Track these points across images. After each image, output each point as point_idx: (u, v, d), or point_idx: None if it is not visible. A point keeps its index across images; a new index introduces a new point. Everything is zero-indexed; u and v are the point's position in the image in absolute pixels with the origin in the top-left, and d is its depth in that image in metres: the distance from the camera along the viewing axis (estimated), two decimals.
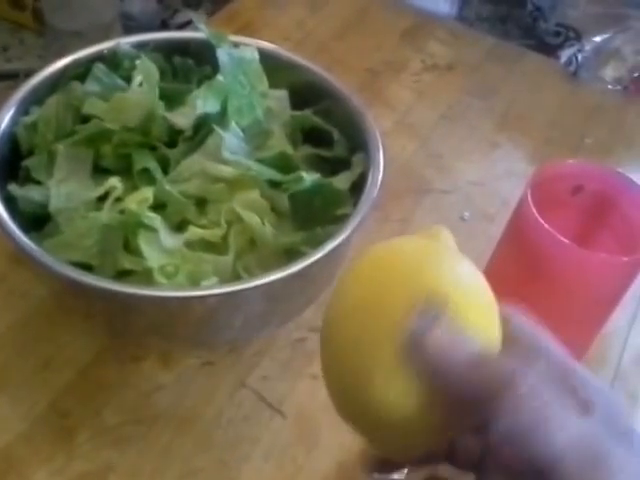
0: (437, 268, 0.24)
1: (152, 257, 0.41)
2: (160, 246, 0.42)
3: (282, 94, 0.52)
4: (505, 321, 0.24)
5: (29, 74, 0.49)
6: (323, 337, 0.25)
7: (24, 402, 0.44)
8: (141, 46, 0.52)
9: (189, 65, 0.52)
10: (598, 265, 0.42)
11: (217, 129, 0.45)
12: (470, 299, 0.24)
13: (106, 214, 0.42)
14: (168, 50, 0.52)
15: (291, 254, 0.43)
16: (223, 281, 0.41)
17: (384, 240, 0.27)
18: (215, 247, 0.43)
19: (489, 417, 0.21)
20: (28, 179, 0.45)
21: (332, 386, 0.25)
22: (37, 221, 0.43)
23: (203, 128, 0.46)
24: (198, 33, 0.52)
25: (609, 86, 0.75)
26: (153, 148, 0.46)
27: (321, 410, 0.45)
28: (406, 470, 0.33)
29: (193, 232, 0.43)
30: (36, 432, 0.43)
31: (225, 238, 0.43)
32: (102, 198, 0.43)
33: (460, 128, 0.69)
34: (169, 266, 0.41)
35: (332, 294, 0.25)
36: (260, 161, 0.46)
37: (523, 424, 0.21)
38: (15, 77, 0.68)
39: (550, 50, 0.79)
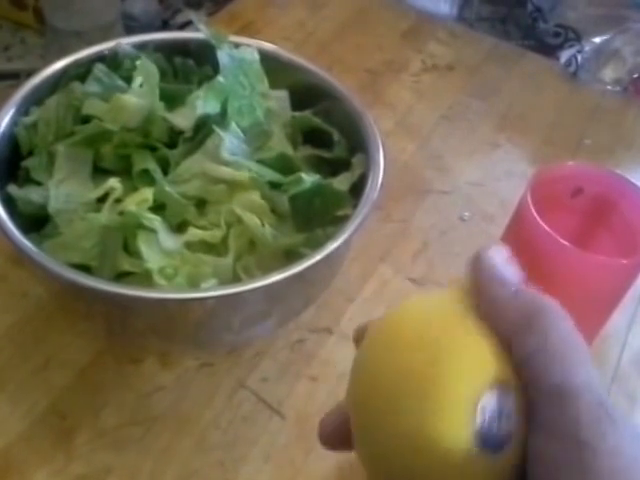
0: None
1: (151, 258, 0.41)
2: (159, 247, 0.42)
3: (282, 95, 0.52)
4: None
5: (30, 74, 0.49)
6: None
7: (23, 403, 0.44)
8: (142, 46, 0.51)
9: (190, 66, 0.52)
10: (597, 267, 0.42)
11: (217, 130, 0.45)
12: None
13: (105, 215, 0.42)
14: (169, 50, 0.52)
15: (291, 255, 0.43)
16: (223, 282, 0.41)
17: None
18: (215, 248, 0.43)
19: (525, 335, 0.21)
20: (28, 180, 0.45)
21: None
22: (36, 222, 0.43)
23: (203, 129, 0.46)
24: (199, 33, 0.52)
25: (609, 87, 0.75)
26: (153, 149, 0.46)
27: (320, 411, 0.44)
28: None
29: (193, 233, 0.43)
30: (35, 433, 0.43)
31: (225, 239, 0.43)
32: (102, 199, 0.43)
33: (460, 128, 0.69)
34: (168, 267, 0.41)
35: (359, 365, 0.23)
36: (260, 162, 0.46)
37: (554, 342, 0.21)
38: (16, 77, 0.68)
39: (550, 51, 0.79)
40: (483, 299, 0.22)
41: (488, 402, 0.20)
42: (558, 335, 0.21)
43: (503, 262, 0.23)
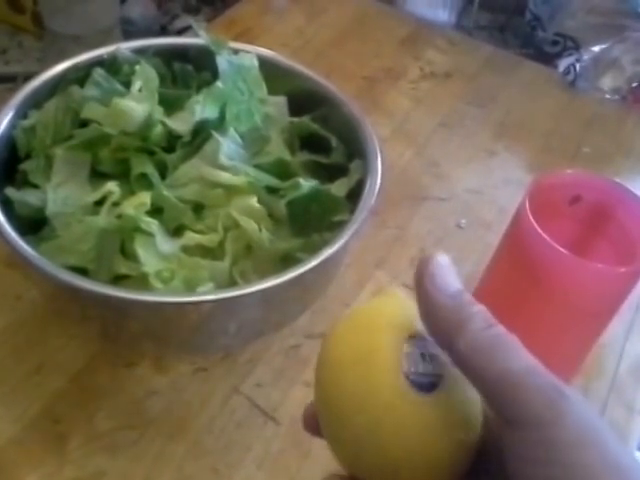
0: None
1: (148, 262, 0.41)
2: (157, 251, 0.41)
3: (281, 100, 0.52)
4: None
5: (28, 77, 0.49)
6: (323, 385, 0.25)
7: (16, 406, 0.44)
8: (141, 51, 0.52)
9: (188, 71, 0.52)
10: (595, 275, 0.42)
11: (215, 135, 0.45)
12: None
13: (103, 218, 0.42)
14: (168, 56, 0.52)
15: (287, 260, 0.43)
16: (219, 287, 0.41)
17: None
18: (212, 252, 0.43)
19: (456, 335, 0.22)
20: (25, 182, 0.45)
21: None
22: (34, 224, 0.43)
23: (201, 134, 0.46)
24: (198, 39, 0.52)
25: (607, 96, 0.75)
26: (151, 153, 0.45)
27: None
28: None
29: (190, 237, 0.43)
30: (28, 437, 0.43)
31: (222, 244, 0.43)
32: (99, 202, 0.43)
33: (457, 136, 0.69)
34: (165, 271, 0.41)
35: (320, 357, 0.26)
36: (258, 167, 0.46)
37: (484, 341, 0.22)
38: (14, 80, 0.68)
39: (548, 59, 0.79)
40: (422, 303, 0.24)
41: (408, 349, 0.23)
42: (488, 335, 0.22)
43: (443, 270, 0.24)
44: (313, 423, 0.26)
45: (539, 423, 0.21)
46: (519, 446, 0.21)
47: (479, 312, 0.23)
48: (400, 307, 0.25)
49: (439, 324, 0.23)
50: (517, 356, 0.22)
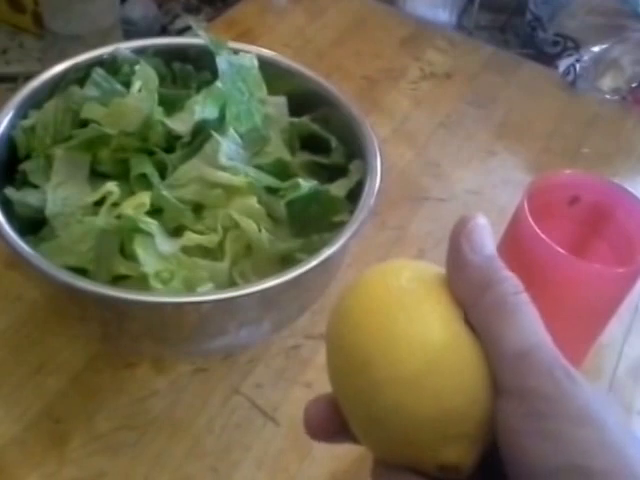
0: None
1: (148, 262, 0.41)
2: (156, 251, 0.41)
3: (280, 101, 0.52)
4: None
5: (28, 77, 0.49)
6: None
7: (17, 406, 0.44)
8: (141, 51, 0.52)
9: (188, 71, 0.52)
10: (594, 276, 0.42)
11: (215, 135, 0.45)
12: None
13: (102, 219, 0.42)
14: (168, 56, 0.52)
15: (287, 261, 0.43)
16: (219, 287, 0.41)
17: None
18: (211, 253, 0.43)
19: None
20: (25, 183, 0.45)
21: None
22: (33, 225, 0.43)
23: (201, 134, 0.46)
24: (198, 39, 0.52)
25: (607, 96, 0.75)
26: (151, 153, 0.45)
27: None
28: None
29: (189, 238, 0.43)
30: (29, 436, 0.43)
31: (221, 244, 0.43)
32: (99, 203, 0.43)
33: (458, 136, 0.69)
34: (165, 271, 0.41)
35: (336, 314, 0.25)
36: (257, 167, 0.46)
37: (506, 309, 0.22)
38: (14, 80, 0.68)
39: (548, 60, 0.79)
40: (454, 259, 0.24)
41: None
42: (514, 300, 0.22)
43: (481, 231, 0.24)
44: (317, 423, 0.25)
45: (537, 395, 0.21)
46: (513, 418, 0.21)
47: (511, 278, 0.23)
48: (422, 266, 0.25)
49: (469, 280, 0.23)
50: (534, 330, 0.22)
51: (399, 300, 0.23)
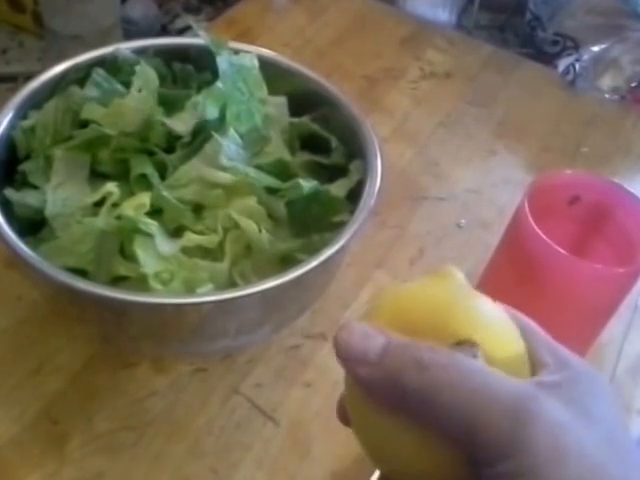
0: (465, 315, 0.24)
1: (148, 263, 0.41)
2: (156, 252, 0.41)
3: (281, 101, 0.52)
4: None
5: (28, 77, 0.49)
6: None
7: (16, 407, 0.44)
8: (141, 51, 0.51)
9: (189, 71, 0.52)
10: (594, 275, 0.42)
11: (215, 135, 0.45)
12: (500, 341, 0.25)
13: (102, 219, 0.42)
14: (168, 56, 0.52)
15: (287, 261, 0.43)
16: (219, 288, 0.41)
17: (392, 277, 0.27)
18: (211, 253, 0.43)
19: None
20: (25, 183, 0.45)
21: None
22: (33, 225, 0.43)
23: (201, 134, 0.46)
24: (198, 39, 0.52)
25: (606, 96, 0.75)
26: (151, 154, 0.45)
27: (314, 418, 0.45)
28: None
29: (189, 238, 0.43)
30: (27, 437, 0.43)
31: (221, 244, 0.43)
32: (99, 203, 0.43)
33: (457, 136, 0.69)
34: (165, 272, 0.41)
35: None
36: (258, 167, 0.46)
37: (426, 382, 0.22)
38: (14, 80, 0.68)
39: (548, 59, 0.79)
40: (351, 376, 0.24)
41: None
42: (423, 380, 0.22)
43: (359, 339, 0.24)
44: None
45: (502, 457, 0.20)
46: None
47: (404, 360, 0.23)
48: (450, 302, 0.25)
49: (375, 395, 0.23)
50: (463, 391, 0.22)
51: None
